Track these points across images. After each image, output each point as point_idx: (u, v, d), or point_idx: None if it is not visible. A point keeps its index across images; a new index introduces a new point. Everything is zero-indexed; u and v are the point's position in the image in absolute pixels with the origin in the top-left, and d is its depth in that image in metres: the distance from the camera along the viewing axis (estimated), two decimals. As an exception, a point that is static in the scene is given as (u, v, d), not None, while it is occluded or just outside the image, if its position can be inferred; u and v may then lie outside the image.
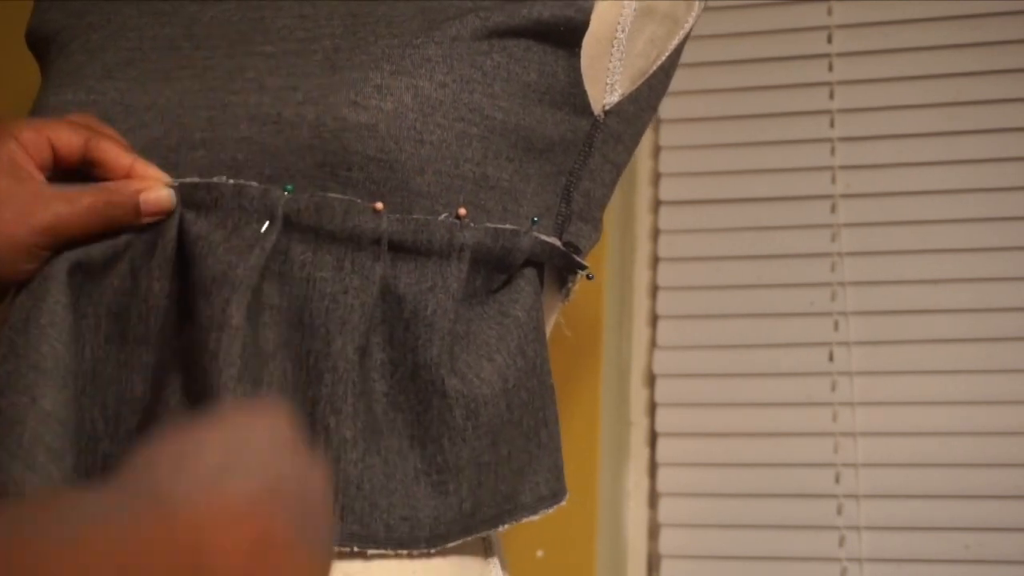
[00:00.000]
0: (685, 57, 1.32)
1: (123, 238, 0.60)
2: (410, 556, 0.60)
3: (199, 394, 0.56)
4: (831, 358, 1.24)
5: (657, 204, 1.33)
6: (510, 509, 0.64)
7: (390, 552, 0.59)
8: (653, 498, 1.28)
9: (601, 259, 1.29)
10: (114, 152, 0.60)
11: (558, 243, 0.68)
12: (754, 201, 1.29)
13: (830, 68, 1.30)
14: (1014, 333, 1.20)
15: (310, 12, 0.67)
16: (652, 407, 1.28)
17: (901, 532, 1.19)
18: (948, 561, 1.17)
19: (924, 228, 1.24)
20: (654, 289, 1.31)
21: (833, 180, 1.28)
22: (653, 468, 1.28)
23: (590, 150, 0.70)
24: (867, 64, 1.29)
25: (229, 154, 0.62)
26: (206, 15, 0.68)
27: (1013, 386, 1.19)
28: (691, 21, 0.73)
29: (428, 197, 0.61)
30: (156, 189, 0.59)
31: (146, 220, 0.60)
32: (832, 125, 1.29)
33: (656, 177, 1.34)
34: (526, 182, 0.66)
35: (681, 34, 0.73)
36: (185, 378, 0.57)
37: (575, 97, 0.67)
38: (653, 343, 1.30)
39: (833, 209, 1.27)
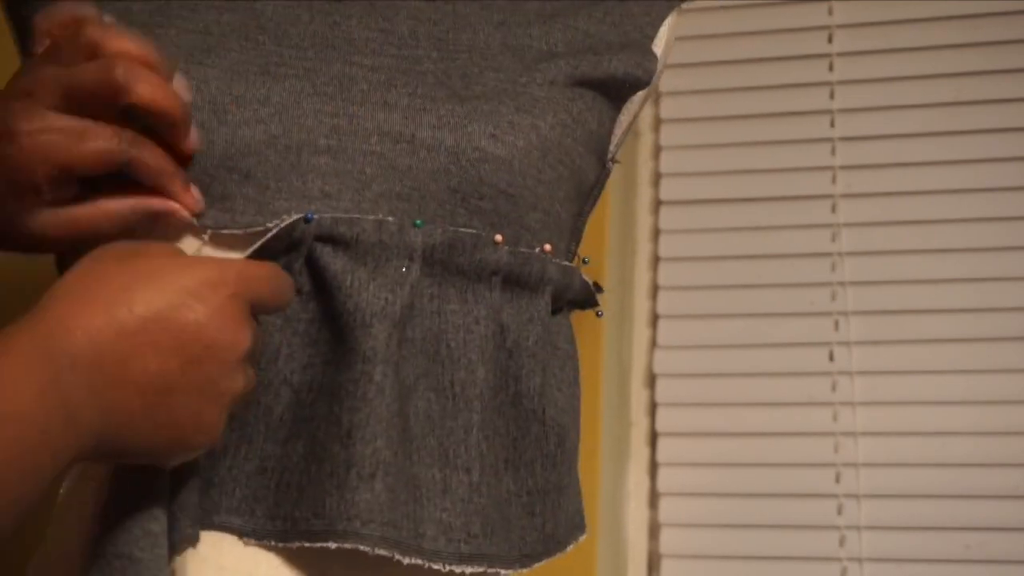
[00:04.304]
0: (685, 57, 1.33)
1: None
2: None
3: (347, 423, 0.56)
4: (831, 358, 1.24)
5: (657, 204, 1.33)
6: (578, 527, 0.66)
7: (500, 571, 0.60)
8: (653, 498, 1.27)
9: (601, 259, 1.29)
10: None
11: (591, 283, 0.71)
12: (754, 201, 1.29)
13: (830, 68, 1.30)
14: (1014, 333, 1.20)
15: (387, 27, 0.67)
16: (652, 407, 1.28)
17: (901, 532, 1.19)
18: (948, 561, 1.17)
19: (924, 228, 1.25)
20: (654, 289, 1.31)
21: (833, 180, 1.28)
22: (653, 468, 1.28)
23: (599, 194, 0.73)
24: (867, 64, 1.29)
25: (357, 166, 0.61)
26: (267, 8, 0.67)
27: (1013, 386, 1.19)
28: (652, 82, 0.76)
29: (531, 232, 0.64)
30: None
31: None
32: (832, 125, 1.29)
33: (656, 177, 1.34)
34: (568, 222, 0.70)
35: (643, 94, 0.76)
36: (327, 405, 0.57)
37: (602, 145, 0.71)
38: (653, 343, 1.30)
39: (833, 209, 1.27)
